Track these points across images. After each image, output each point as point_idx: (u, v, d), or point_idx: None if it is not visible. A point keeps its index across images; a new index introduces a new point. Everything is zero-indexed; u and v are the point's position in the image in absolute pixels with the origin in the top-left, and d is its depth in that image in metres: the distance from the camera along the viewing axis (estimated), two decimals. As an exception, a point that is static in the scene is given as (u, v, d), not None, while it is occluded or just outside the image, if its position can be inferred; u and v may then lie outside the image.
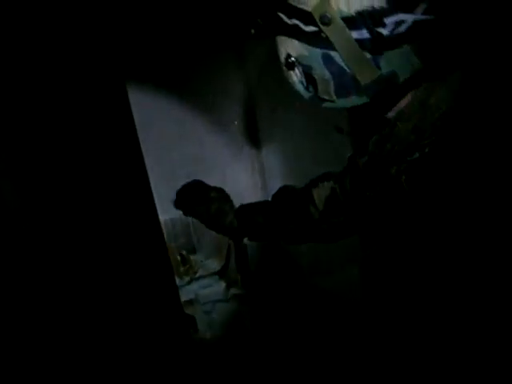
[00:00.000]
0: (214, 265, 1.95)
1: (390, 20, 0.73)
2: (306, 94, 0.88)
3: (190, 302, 1.78)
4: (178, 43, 1.65)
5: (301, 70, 0.85)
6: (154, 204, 1.55)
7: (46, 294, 1.35)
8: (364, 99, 0.83)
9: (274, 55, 0.91)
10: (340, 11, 0.75)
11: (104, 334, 1.41)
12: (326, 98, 0.85)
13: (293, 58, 0.84)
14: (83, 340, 1.31)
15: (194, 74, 1.67)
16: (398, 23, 0.73)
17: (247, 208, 1.20)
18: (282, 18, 0.83)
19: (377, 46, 0.76)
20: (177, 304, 1.41)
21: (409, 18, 0.73)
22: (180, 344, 1.40)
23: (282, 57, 0.88)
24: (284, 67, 0.88)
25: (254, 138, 1.84)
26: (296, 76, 0.87)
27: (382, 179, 0.84)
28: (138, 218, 1.34)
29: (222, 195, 1.24)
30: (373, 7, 0.74)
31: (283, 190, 1.15)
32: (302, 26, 0.80)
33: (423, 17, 0.72)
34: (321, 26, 0.77)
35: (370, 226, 0.92)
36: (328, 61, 0.80)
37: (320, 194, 1.00)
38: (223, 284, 1.84)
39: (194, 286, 1.83)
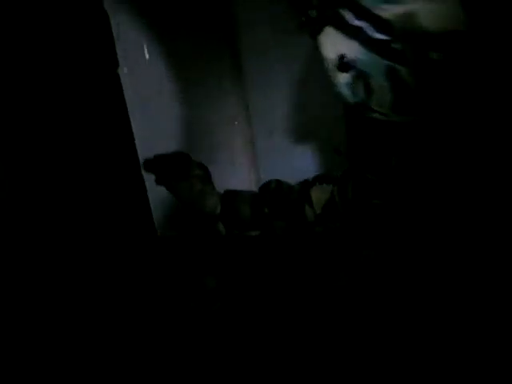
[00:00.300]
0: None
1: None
2: (352, 99, 0.84)
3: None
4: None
5: (354, 73, 0.80)
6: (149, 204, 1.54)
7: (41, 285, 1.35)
8: (421, 120, 0.81)
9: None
10: (423, 28, 0.72)
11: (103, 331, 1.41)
12: (378, 109, 0.81)
13: (349, 60, 0.79)
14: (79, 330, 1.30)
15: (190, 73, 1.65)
16: None
17: (233, 195, 1.13)
18: (343, 16, 0.78)
19: (450, 70, 0.75)
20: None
21: None
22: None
23: (331, 55, 0.82)
24: (333, 66, 0.83)
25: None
26: (345, 78, 0.82)
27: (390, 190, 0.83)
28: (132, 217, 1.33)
29: (206, 174, 1.15)
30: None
31: (276, 185, 1.10)
32: (370, 31, 0.75)
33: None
34: (400, 39, 0.73)
35: (367, 233, 0.91)
36: (393, 74, 0.76)
37: (318, 196, 0.98)
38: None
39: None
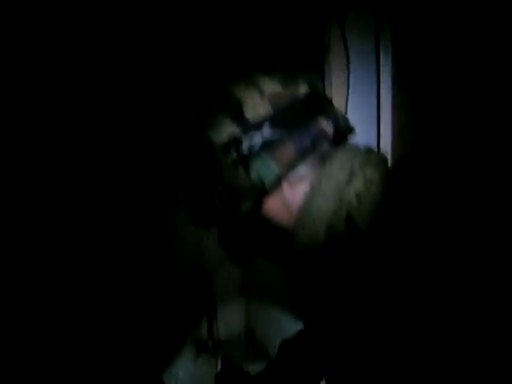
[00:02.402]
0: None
1: (245, 141, 0.94)
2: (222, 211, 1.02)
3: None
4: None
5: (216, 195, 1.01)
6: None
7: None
8: (249, 204, 0.98)
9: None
10: (217, 141, 0.96)
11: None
12: (227, 207, 1.00)
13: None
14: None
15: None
16: (252, 141, 0.94)
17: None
18: None
19: (242, 160, 0.95)
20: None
21: (258, 136, 0.94)
22: None
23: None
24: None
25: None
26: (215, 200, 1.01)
27: None
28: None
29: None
30: (234, 134, 0.95)
31: None
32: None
33: (268, 134, 0.94)
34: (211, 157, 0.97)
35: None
36: (222, 181, 0.98)
37: None
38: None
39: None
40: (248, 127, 0.95)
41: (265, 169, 0.95)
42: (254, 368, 1.92)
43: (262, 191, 0.97)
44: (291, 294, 1.89)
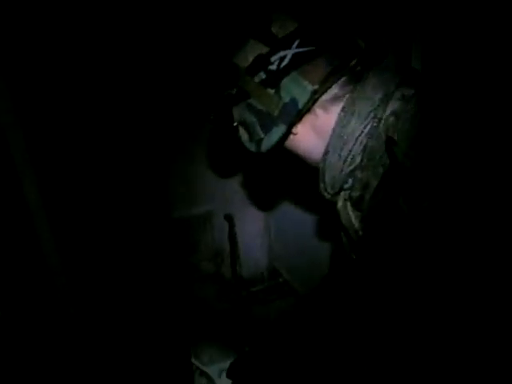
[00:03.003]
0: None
1: (274, 58, 0.87)
2: (252, 148, 0.95)
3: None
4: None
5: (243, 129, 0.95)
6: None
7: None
8: (283, 128, 0.90)
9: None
10: (243, 66, 0.90)
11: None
12: (257, 138, 0.93)
13: (235, 123, 0.95)
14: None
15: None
16: (282, 58, 0.87)
17: None
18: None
19: (271, 80, 0.88)
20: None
21: (288, 52, 0.87)
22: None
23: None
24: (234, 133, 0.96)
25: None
26: (242, 136, 0.96)
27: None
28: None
29: None
30: (261, 53, 0.88)
31: None
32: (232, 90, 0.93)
33: (298, 49, 0.87)
34: (240, 83, 0.91)
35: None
36: (251, 108, 0.91)
37: None
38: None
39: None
40: (276, 45, 0.87)
41: (297, 87, 0.87)
42: (278, 305, 1.99)
43: (296, 113, 0.88)
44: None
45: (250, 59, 0.89)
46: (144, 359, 1.55)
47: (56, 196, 1.37)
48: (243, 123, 0.94)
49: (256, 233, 2.05)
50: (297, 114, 0.88)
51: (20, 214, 1.32)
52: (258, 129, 0.92)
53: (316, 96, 0.87)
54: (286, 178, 1.78)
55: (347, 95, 0.89)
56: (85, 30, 1.38)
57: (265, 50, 0.88)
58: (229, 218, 1.95)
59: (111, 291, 1.51)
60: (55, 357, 1.39)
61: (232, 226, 1.95)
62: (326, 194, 0.95)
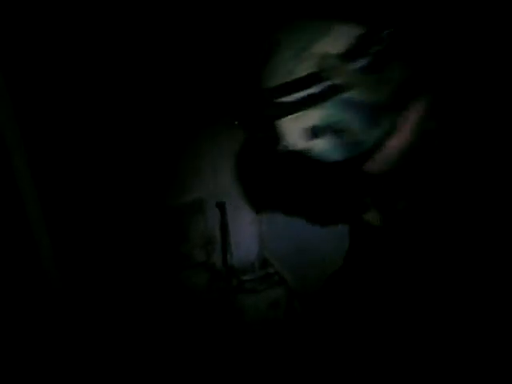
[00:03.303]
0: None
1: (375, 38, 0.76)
2: (339, 155, 0.81)
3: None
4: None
5: (327, 133, 0.80)
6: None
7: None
8: (393, 117, 0.79)
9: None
10: (333, 55, 0.76)
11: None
12: (354, 139, 0.79)
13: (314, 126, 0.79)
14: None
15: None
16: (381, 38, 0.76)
17: None
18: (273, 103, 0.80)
19: (376, 65, 0.76)
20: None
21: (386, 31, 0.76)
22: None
23: (297, 136, 0.81)
24: (304, 143, 0.81)
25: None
26: (322, 143, 0.80)
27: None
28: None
29: None
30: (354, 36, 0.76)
31: None
32: (304, 93, 0.77)
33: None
34: (332, 76, 0.75)
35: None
36: (348, 102, 0.77)
37: None
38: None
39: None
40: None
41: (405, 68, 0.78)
42: (267, 294, 2.00)
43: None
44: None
45: (340, 47, 0.76)
46: (143, 359, 1.56)
47: (53, 195, 1.38)
48: (326, 128, 0.79)
49: (248, 222, 2.05)
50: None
51: (17, 217, 1.33)
52: (357, 126, 0.78)
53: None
54: (279, 168, 1.77)
55: None
56: (87, 30, 1.39)
57: (357, 31, 0.76)
58: (220, 206, 1.94)
59: (106, 287, 1.51)
60: (52, 360, 1.40)
61: (224, 214, 1.94)
62: None
